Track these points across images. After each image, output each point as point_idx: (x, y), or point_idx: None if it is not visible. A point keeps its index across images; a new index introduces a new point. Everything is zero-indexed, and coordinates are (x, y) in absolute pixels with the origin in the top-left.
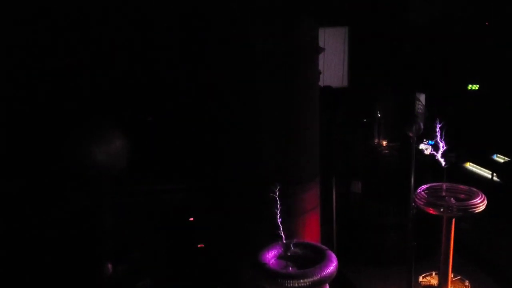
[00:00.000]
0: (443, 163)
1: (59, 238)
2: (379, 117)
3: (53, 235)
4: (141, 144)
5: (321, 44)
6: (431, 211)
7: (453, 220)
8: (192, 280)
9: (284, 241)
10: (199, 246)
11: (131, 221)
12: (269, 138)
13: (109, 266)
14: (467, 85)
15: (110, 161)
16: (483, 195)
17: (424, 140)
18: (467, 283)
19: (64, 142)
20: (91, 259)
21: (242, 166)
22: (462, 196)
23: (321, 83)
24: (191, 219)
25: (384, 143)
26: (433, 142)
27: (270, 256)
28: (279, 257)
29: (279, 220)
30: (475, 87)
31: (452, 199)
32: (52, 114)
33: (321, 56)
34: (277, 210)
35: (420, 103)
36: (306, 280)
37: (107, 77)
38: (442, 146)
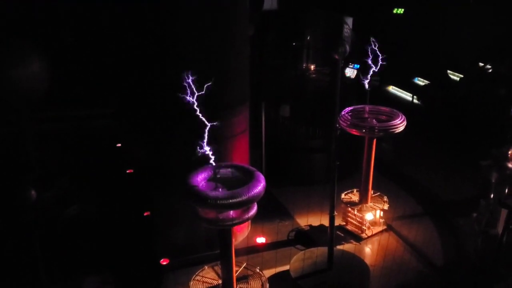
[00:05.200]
0: (367, 86)
1: None
2: (308, 41)
3: None
4: (62, 68)
5: None
6: (354, 132)
7: (374, 140)
8: (121, 206)
9: (214, 164)
10: (128, 171)
11: (57, 148)
12: (196, 60)
13: (33, 193)
14: (392, 9)
15: (29, 85)
16: (403, 116)
17: (350, 64)
18: (385, 198)
19: None
20: (16, 187)
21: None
22: (384, 117)
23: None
24: (119, 144)
25: (313, 67)
26: (358, 66)
27: (200, 179)
28: (209, 180)
29: (208, 143)
30: (400, 11)
31: (374, 120)
32: None
33: None
34: (207, 133)
35: (347, 26)
36: (234, 200)
37: None
38: (366, 69)
